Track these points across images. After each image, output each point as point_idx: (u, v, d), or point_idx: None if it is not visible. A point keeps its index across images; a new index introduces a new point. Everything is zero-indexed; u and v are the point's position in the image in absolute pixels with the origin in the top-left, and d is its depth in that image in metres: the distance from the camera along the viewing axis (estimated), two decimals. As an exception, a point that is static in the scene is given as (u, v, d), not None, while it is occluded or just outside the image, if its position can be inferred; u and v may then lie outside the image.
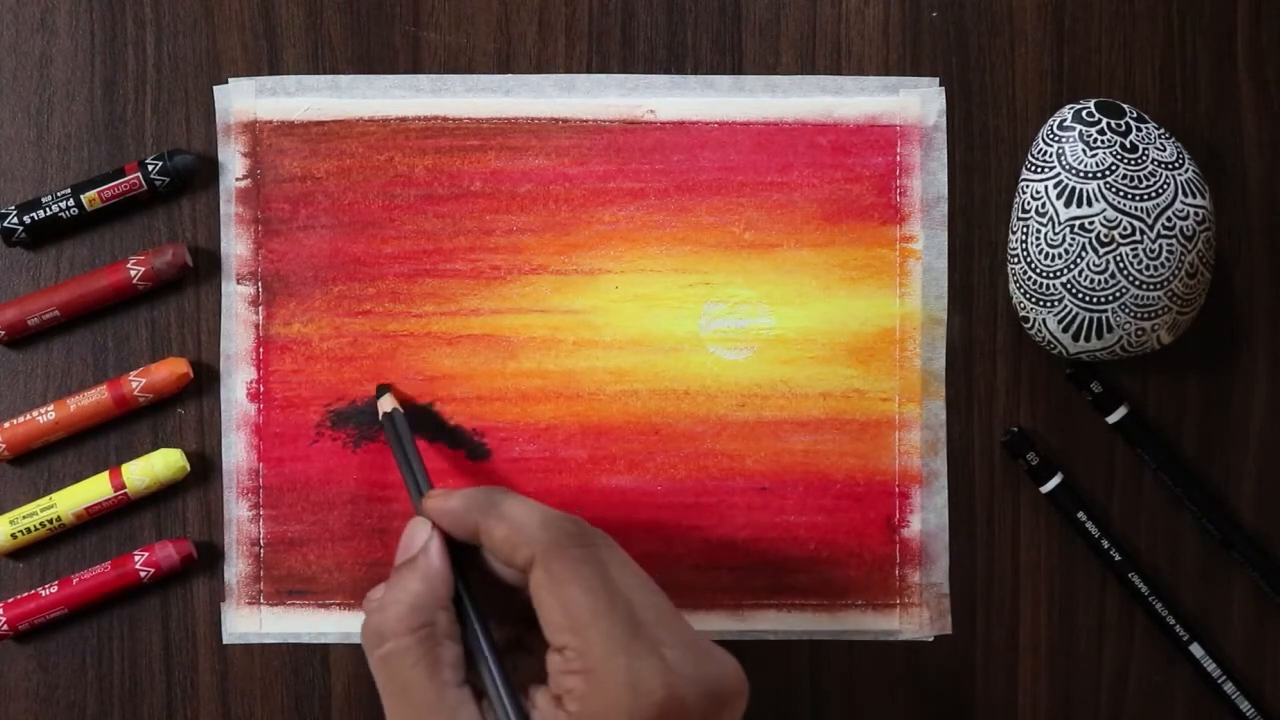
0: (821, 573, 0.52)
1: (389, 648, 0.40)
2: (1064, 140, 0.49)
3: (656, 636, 0.38)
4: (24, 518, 0.50)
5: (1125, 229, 0.47)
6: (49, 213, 0.50)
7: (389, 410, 0.49)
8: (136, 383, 0.50)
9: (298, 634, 0.51)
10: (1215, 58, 0.52)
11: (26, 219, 0.50)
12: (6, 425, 0.50)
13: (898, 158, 0.52)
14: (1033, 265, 0.49)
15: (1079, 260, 0.48)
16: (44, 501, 0.50)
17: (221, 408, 0.51)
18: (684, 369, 0.52)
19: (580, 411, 0.51)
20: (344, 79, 0.52)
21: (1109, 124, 0.48)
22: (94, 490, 0.50)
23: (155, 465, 0.50)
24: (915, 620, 0.52)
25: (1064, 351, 0.49)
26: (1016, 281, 0.50)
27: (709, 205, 0.52)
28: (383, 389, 0.51)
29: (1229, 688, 0.51)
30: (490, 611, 0.42)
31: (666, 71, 0.52)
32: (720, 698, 0.39)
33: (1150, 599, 0.51)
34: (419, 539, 0.42)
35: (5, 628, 0.50)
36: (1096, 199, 0.48)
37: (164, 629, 0.51)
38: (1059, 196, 0.48)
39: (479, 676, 0.40)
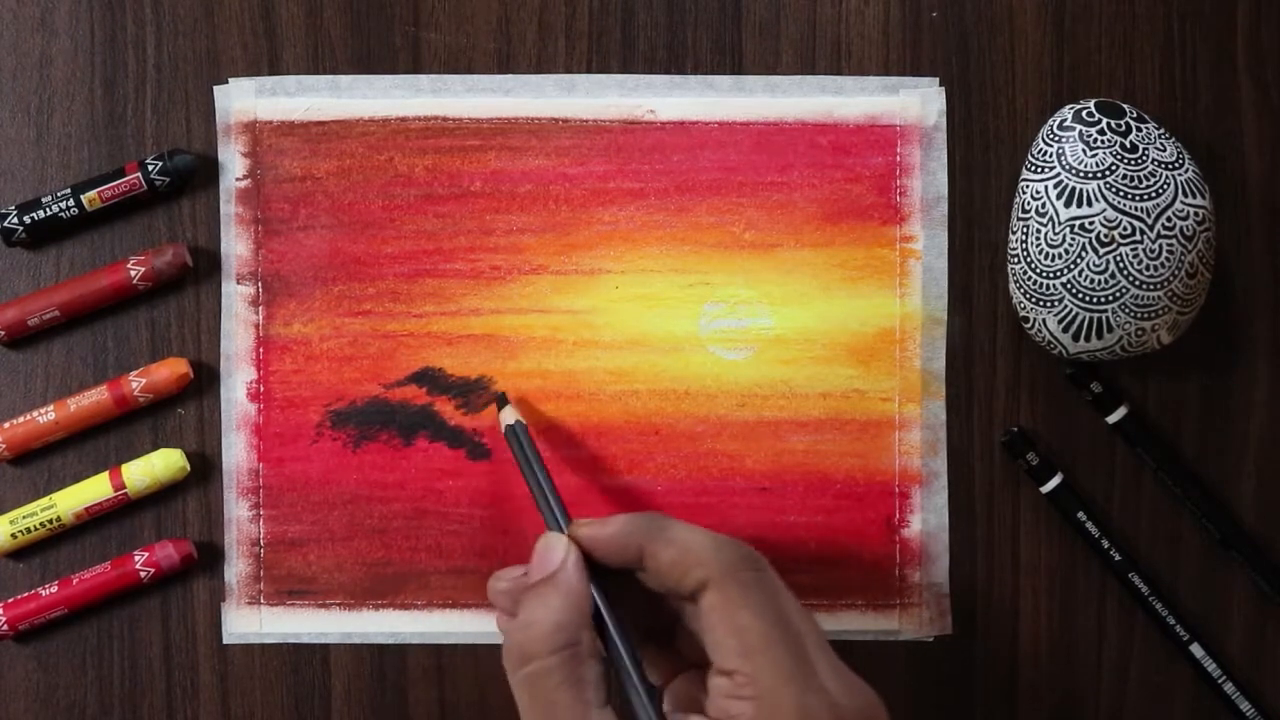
0: (821, 573, 0.52)
1: (534, 667, 0.39)
2: (1064, 140, 0.49)
3: (818, 668, 0.39)
4: (24, 518, 0.50)
5: (1125, 229, 0.47)
6: (49, 213, 0.50)
7: (511, 423, 0.48)
8: (136, 383, 0.50)
9: (298, 634, 0.51)
10: (1215, 58, 0.52)
11: (26, 219, 0.50)
12: (6, 425, 0.50)
13: (898, 158, 0.52)
14: (1033, 265, 0.49)
15: (1079, 260, 0.48)
16: (44, 501, 0.50)
17: (221, 408, 0.51)
18: (684, 369, 0.52)
19: (580, 411, 0.51)
20: (344, 79, 0.52)
21: (1109, 124, 0.48)
22: (94, 490, 0.50)
23: (155, 465, 0.50)
24: (915, 620, 0.52)
25: (1064, 351, 0.49)
26: (1016, 281, 0.50)
27: (709, 205, 0.52)
28: (503, 399, 0.50)
29: (1229, 688, 0.51)
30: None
31: (666, 71, 0.52)
32: None
33: (1150, 599, 0.51)
34: (556, 556, 0.42)
35: (5, 628, 0.50)
36: (1096, 199, 0.48)
37: (164, 629, 0.51)
38: (1059, 196, 0.48)
39: (619, 697, 0.40)
